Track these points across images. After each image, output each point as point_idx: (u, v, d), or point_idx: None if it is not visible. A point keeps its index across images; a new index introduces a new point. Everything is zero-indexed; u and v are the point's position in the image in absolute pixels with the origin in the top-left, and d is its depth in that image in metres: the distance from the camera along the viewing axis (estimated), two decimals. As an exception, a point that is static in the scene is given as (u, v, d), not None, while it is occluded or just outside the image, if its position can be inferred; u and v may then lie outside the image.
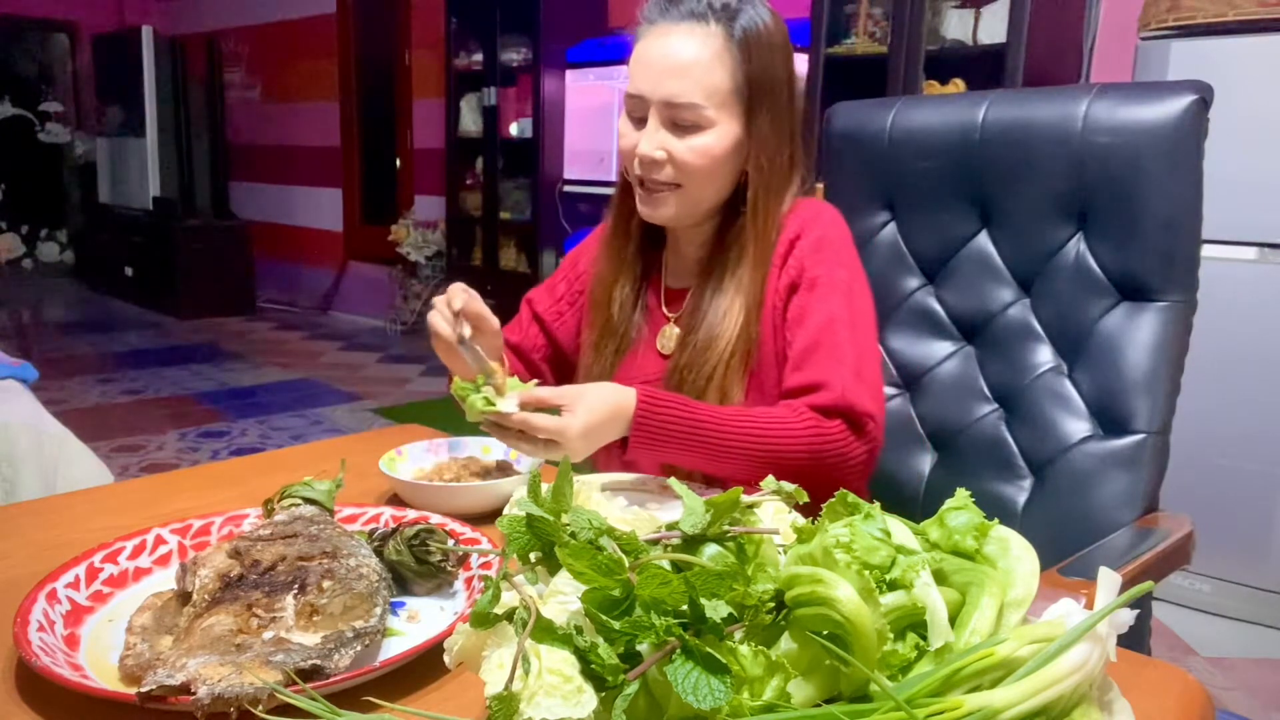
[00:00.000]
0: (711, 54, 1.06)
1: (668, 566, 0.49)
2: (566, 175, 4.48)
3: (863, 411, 1.05)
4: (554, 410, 0.97)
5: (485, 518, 0.93)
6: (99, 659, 0.68)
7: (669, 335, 1.19)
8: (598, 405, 0.99)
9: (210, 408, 4.26)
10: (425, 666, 0.66)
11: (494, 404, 0.96)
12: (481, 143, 4.89)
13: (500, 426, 0.98)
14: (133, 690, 0.59)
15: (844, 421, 1.05)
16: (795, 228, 1.14)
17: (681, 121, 1.08)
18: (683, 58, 1.06)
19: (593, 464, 1.22)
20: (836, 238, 1.15)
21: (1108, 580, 0.47)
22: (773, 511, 0.60)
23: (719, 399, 1.11)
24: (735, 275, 1.13)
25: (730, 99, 1.08)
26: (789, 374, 1.10)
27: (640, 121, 1.10)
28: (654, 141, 1.08)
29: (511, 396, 0.97)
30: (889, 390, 1.32)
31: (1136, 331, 1.12)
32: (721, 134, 1.08)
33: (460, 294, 1.04)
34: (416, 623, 0.75)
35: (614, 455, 1.08)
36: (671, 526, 0.54)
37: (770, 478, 0.63)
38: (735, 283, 1.13)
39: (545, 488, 0.55)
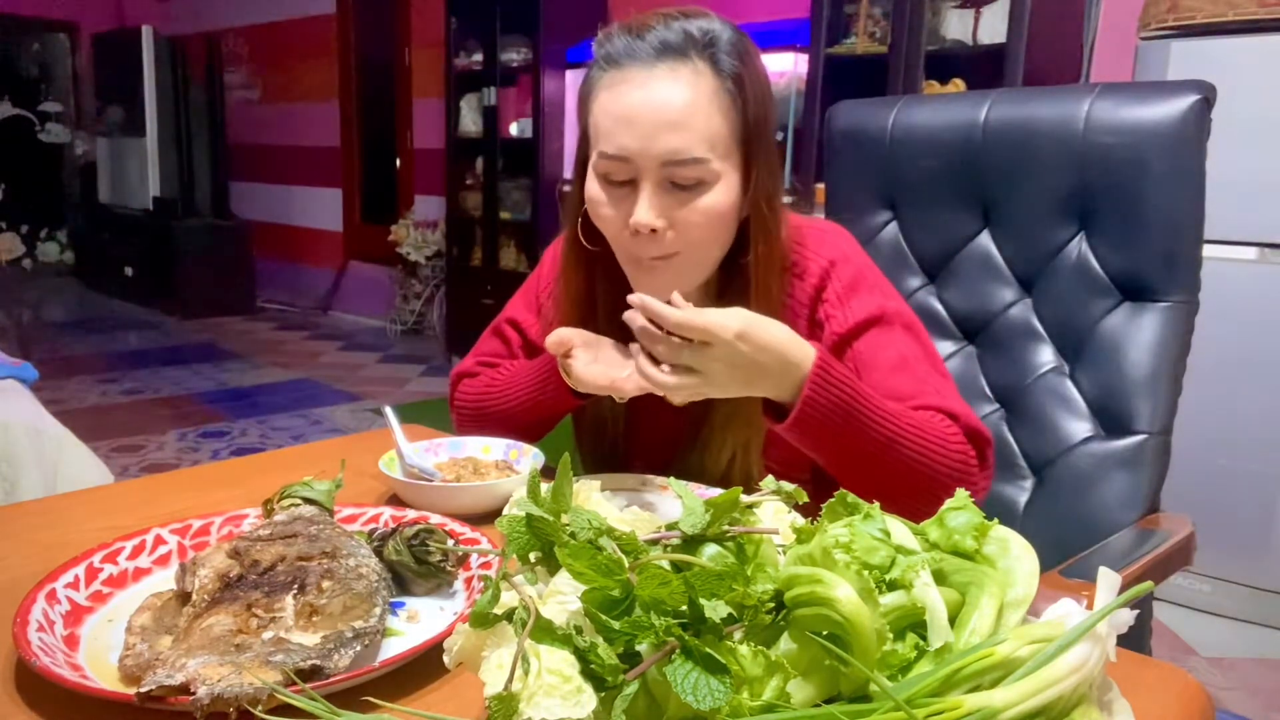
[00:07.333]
0: (707, 96, 0.92)
1: (667, 566, 0.49)
2: (566, 175, 4.48)
3: (986, 438, 0.94)
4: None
5: (485, 518, 0.93)
6: (98, 659, 0.67)
7: None
8: (771, 332, 0.85)
9: (210, 408, 4.26)
10: (425, 666, 0.66)
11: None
12: (481, 143, 4.89)
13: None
14: (132, 690, 0.59)
15: (974, 448, 0.93)
16: (817, 272, 1.03)
17: (683, 181, 0.92)
18: (676, 105, 0.90)
19: (585, 465, 1.22)
20: (864, 269, 1.05)
21: (1107, 580, 0.46)
22: (772, 511, 0.60)
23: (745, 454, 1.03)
24: None
25: (732, 146, 0.94)
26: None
27: (622, 186, 0.95)
28: (654, 209, 0.93)
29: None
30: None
31: (1138, 332, 1.12)
32: (727, 188, 0.94)
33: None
34: (416, 623, 0.75)
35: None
36: (671, 526, 0.54)
37: (770, 477, 0.62)
38: None
39: (545, 487, 0.55)
